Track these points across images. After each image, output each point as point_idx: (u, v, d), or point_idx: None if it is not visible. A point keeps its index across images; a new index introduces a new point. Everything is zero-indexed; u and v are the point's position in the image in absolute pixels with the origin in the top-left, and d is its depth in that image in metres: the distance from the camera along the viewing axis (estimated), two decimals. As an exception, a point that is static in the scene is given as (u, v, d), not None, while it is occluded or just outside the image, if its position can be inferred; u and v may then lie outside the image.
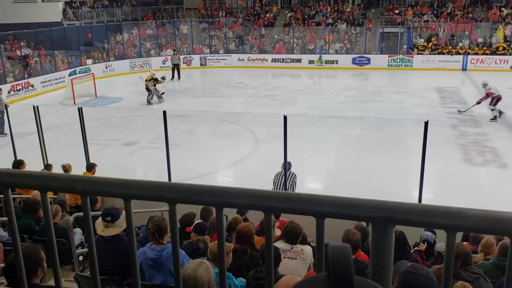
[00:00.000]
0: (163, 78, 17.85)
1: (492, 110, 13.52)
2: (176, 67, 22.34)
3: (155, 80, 17.15)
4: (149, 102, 17.02)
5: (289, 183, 7.64)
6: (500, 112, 13.56)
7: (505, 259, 2.92)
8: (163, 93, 17.62)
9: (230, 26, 28.09)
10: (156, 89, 17.24)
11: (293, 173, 7.81)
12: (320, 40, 26.36)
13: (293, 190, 7.69)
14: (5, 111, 11.86)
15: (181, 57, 24.10)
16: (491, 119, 13.53)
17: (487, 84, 13.69)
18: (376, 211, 0.97)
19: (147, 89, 17.08)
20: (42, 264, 2.67)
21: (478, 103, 13.91)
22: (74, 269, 4.77)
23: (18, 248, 1.24)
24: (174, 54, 23.00)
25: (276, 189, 7.65)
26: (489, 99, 13.56)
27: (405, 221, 0.98)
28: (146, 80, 17.12)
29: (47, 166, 8.32)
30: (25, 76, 20.00)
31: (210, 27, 27.96)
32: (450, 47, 24.04)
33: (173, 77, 22.17)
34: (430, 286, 2.14)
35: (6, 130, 11.50)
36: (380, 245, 0.99)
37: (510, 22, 24.30)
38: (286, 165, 7.45)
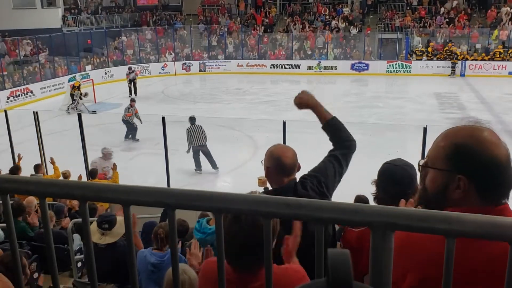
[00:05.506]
0: (86, 94, 17.60)
1: None
2: (132, 82, 21.66)
3: (78, 89, 16.97)
4: (68, 111, 16.79)
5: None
6: None
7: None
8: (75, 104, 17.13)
9: (229, 27, 28.13)
10: (79, 100, 17.04)
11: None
12: (319, 45, 26.41)
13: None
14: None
15: (138, 72, 23.53)
16: None
17: None
18: (375, 217, 0.97)
19: (72, 95, 16.95)
20: (25, 271, 2.67)
21: None
22: (73, 276, 4.74)
23: (16, 254, 1.24)
24: (130, 71, 22.00)
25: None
26: None
27: (404, 227, 0.98)
28: (75, 87, 16.98)
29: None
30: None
31: (210, 32, 28.01)
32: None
33: (130, 93, 21.47)
34: (407, 177, 1.89)
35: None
36: (380, 251, 0.99)
37: (507, 23, 24.33)
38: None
